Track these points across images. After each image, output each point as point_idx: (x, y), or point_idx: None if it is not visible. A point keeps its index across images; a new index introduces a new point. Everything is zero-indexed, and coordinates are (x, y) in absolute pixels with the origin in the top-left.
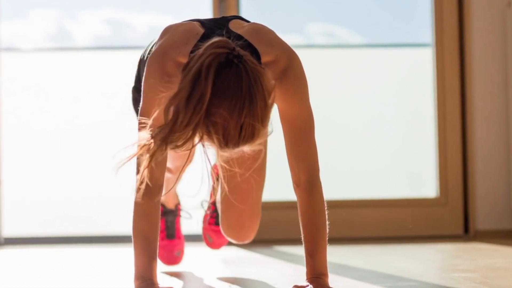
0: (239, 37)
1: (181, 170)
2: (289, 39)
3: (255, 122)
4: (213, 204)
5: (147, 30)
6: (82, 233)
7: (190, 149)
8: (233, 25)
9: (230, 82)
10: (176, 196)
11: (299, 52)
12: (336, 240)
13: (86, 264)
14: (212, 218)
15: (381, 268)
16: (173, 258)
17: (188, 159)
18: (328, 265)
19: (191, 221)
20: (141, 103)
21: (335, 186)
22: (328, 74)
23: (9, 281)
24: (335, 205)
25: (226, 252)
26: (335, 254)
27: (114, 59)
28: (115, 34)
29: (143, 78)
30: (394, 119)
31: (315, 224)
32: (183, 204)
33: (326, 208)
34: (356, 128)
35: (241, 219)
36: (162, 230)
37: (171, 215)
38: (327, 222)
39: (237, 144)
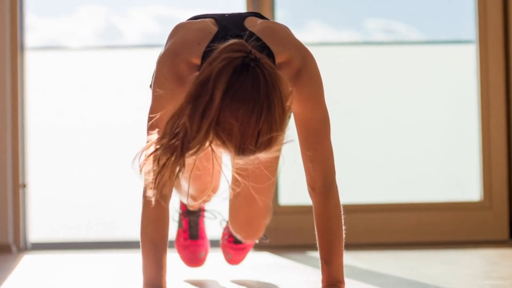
0: (254, 36)
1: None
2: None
3: (273, 128)
4: None
5: None
6: (111, 238)
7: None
8: (248, 23)
9: (247, 87)
10: None
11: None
12: (375, 245)
13: (116, 270)
14: (231, 237)
15: (410, 275)
16: (196, 259)
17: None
18: (351, 271)
19: (216, 227)
20: (150, 103)
21: (375, 190)
22: (374, 73)
23: (36, 287)
24: (375, 209)
25: (256, 257)
26: (368, 260)
27: None
28: (164, 31)
29: (153, 78)
30: (437, 119)
31: (330, 230)
32: (207, 205)
33: (342, 213)
34: (400, 129)
35: (250, 219)
36: (185, 230)
37: (194, 215)
38: (343, 228)
39: (253, 151)
